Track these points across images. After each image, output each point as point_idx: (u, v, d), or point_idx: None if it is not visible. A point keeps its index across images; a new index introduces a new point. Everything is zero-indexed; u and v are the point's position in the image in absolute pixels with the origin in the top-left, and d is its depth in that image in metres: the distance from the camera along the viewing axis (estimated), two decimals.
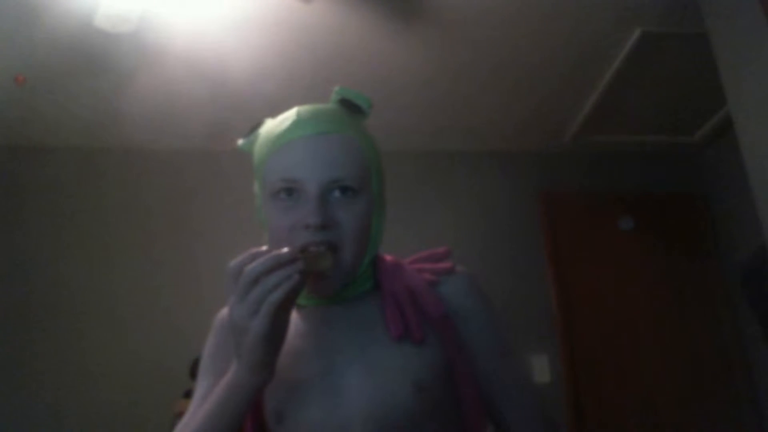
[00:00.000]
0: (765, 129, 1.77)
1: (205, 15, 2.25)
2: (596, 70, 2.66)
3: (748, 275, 2.87)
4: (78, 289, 2.76)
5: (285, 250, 0.67)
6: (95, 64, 2.47)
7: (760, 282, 2.79)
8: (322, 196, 0.77)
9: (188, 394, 2.34)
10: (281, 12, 2.26)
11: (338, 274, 0.78)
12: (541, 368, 2.81)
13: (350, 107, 0.85)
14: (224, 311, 0.91)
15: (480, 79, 2.70)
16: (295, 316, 0.87)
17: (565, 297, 2.95)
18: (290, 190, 0.79)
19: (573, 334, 2.88)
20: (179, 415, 2.30)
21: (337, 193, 0.78)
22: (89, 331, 2.69)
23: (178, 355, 2.64)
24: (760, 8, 1.77)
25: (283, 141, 0.80)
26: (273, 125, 0.84)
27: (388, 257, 0.89)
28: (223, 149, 3.11)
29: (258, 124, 0.88)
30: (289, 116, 0.82)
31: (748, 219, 2.89)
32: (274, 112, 2.95)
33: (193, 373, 2.38)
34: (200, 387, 0.86)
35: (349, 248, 0.78)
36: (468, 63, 2.59)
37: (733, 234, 3.03)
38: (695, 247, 3.12)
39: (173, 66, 2.50)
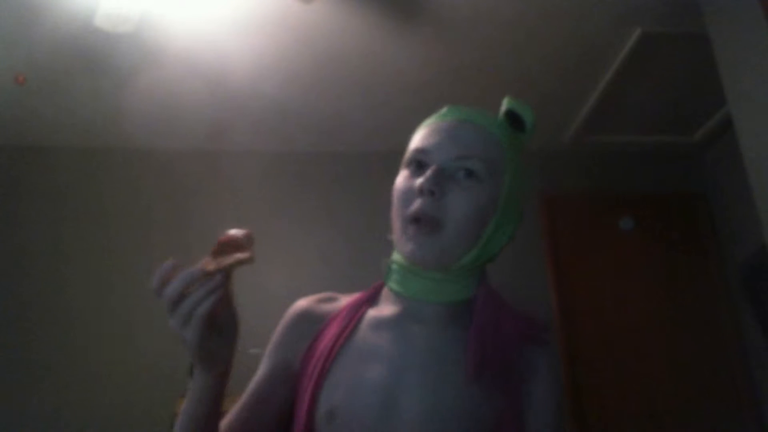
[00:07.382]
0: (765, 129, 1.77)
1: (205, 15, 2.25)
2: (596, 70, 2.66)
3: (748, 275, 2.88)
4: (78, 289, 2.76)
5: (199, 267, 0.66)
6: (95, 64, 2.47)
7: (760, 281, 2.80)
8: (442, 168, 0.79)
9: None
10: (281, 12, 2.26)
11: (436, 249, 0.77)
12: None
13: (513, 120, 0.86)
14: (299, 302, 0.90)
15: (480, 79, 2.70)
16: (382, 307, 0.85)
17: (565, 297, 2.95)
18: (420, 163, 0.81)
19: (573, 334, 2.88)
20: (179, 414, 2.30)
21: (461, 174, 0.79)
22: (89, 332, 2.69)
23: (178, 356, 2.65)
24: (760, 8, 1.78)
25: (426, 123, 0.86)
26: None
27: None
28: (223, 149, 3.12)
29: None
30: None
31: (748, 219, 2.89)
32: (274, 112, 2.96)
33: (192, 373, 2.38)
34: (259, 371, 0.87)
35: (451, 226, 0.77)
36: (468, 63, 2.59)
37: (733, 234, 3.03)
38: (695, 247, 3.12)
39: (173, 66, 2.50)
